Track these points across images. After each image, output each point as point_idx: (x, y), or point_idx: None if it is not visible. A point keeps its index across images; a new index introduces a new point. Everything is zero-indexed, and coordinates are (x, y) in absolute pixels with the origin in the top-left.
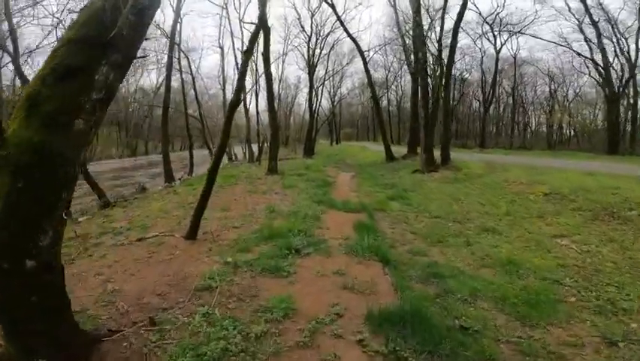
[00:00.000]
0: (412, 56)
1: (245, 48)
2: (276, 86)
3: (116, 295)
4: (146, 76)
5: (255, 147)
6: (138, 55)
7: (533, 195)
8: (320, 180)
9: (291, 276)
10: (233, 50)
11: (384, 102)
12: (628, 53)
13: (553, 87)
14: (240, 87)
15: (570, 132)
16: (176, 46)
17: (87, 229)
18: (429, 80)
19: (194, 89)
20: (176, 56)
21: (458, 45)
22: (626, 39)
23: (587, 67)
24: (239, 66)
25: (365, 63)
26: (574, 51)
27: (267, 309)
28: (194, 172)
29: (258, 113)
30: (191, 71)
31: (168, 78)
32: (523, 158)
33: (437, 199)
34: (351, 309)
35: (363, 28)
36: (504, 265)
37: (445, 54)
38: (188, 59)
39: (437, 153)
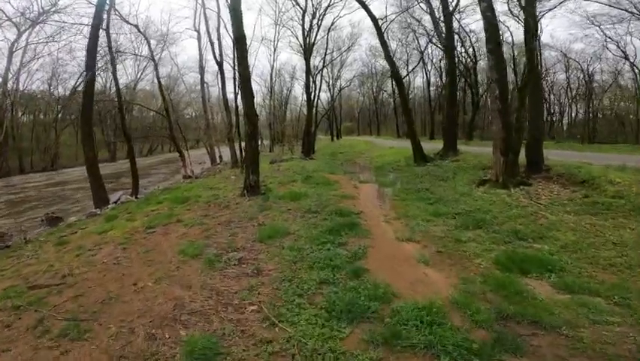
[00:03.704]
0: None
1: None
2: (261, 76)
3: None
4: (122, 71)
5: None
6: None
7: None
8: (331, 208)
9: None
10: (207, 29)
11: (385, 95)
12: None
13: (581, 75)
14: None
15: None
16: (111, 15)
17: None
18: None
19: (157, 77)
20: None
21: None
22: None
23: (623, 51)
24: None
25: (380, 33)
26: None
27: None
28: (140, 191)
29: (230, 100)
30: (152, 55)
31: (90, 57)
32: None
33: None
34: None
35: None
36: None
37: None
38: (148, 41)
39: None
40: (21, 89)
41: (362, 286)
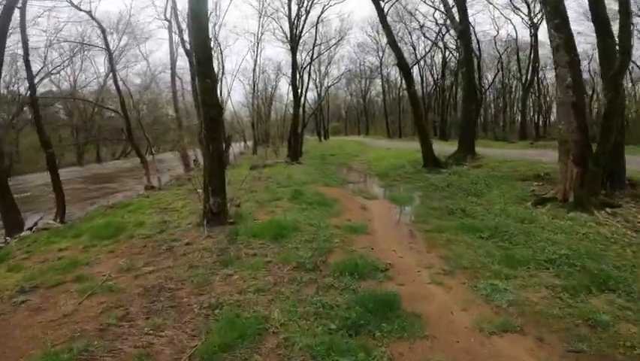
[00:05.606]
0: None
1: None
2: (245, 73)
3: None
4: (93, 68)
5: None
6: None
7: None
8: (339, 259)
9: None
10: (175, 15)
11: (373, 92)
12: None
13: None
14: None
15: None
16: None
17: None
18: None
19: (112, 70)
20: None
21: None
22: None
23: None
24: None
25: (382, 15)
26: None
27: None
28: (84, 207)
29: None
30: (107, 45)
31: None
32: None
33: None
34: None
35: None
36: None
37: None
38: (101, 28)
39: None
40: None
41: None
